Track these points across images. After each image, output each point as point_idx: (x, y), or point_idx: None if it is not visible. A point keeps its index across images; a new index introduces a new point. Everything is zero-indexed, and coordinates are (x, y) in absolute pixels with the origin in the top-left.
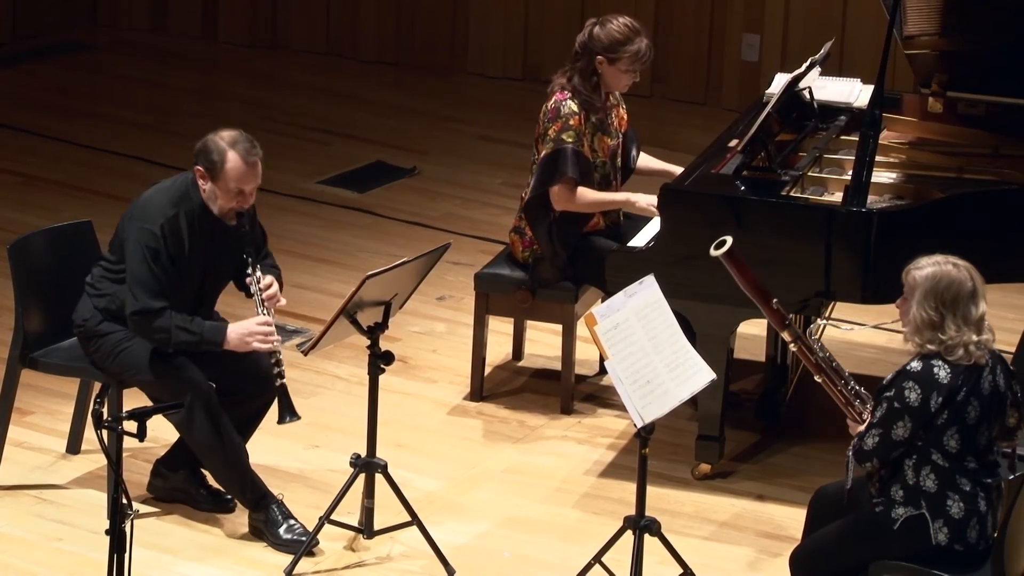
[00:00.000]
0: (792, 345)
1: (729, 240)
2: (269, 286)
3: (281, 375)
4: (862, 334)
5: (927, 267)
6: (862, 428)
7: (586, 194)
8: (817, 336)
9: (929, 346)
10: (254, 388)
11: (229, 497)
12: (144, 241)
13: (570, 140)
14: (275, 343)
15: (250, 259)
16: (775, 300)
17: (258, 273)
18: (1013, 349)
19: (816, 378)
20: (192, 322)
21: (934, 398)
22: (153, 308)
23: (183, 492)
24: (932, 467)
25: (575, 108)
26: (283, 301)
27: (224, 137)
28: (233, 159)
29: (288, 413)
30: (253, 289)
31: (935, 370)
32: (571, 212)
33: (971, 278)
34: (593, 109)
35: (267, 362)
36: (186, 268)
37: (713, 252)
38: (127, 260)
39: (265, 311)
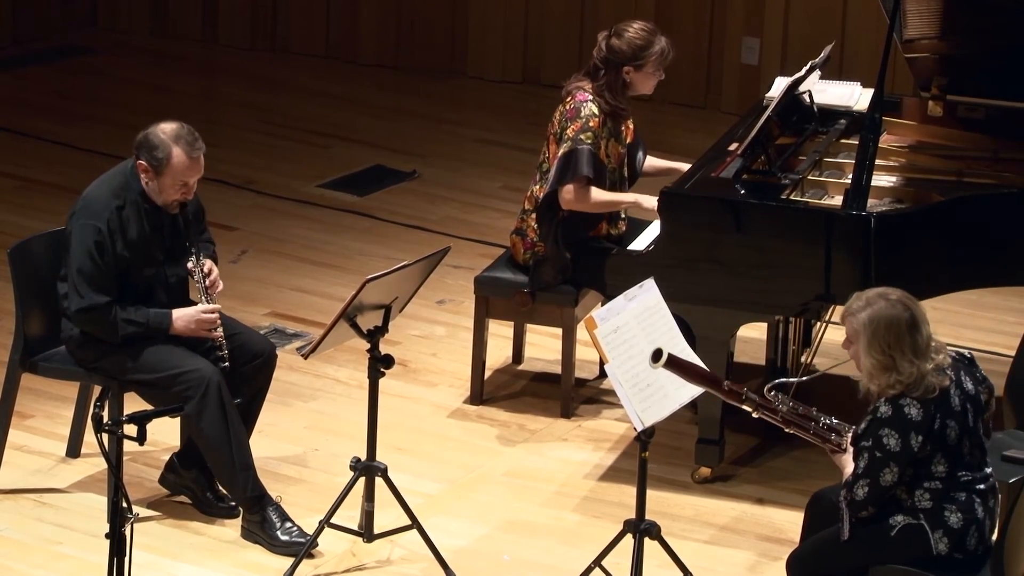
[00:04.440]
0: (755, 414)
1: (665, 351)
2: (210, 272)
3: (224, 359)
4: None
5: (861, 312)
6: (848, 475)
7: (597, 194)
8: (804, 375)
9: (890, 390)
10: (251, 367)
11: (233, 504)
12: (89, 236)
13: (588, 141)
14: (219, 330)
15: (192, 248)
16: (726, 382)
17: (201, 261)
18: (1013, 352)
19: (787, 431)
20: (137, 312)
21: (914, 438)
22: (99, 304)
23: (190, 491)
24: (924, 490)
25: (596, 111)
26: (221, 286)
27: (166, 131)
28: (178, 155)
29: (237, 394)
30: (196, 277)
31: (906, 410)
32: (578, 213)
33: (907, 307)
34: (619, 117)
35: (260, 338)
36: (132, 259)
37: (652, 366)
38: (70, 255)
39: (208, 299)
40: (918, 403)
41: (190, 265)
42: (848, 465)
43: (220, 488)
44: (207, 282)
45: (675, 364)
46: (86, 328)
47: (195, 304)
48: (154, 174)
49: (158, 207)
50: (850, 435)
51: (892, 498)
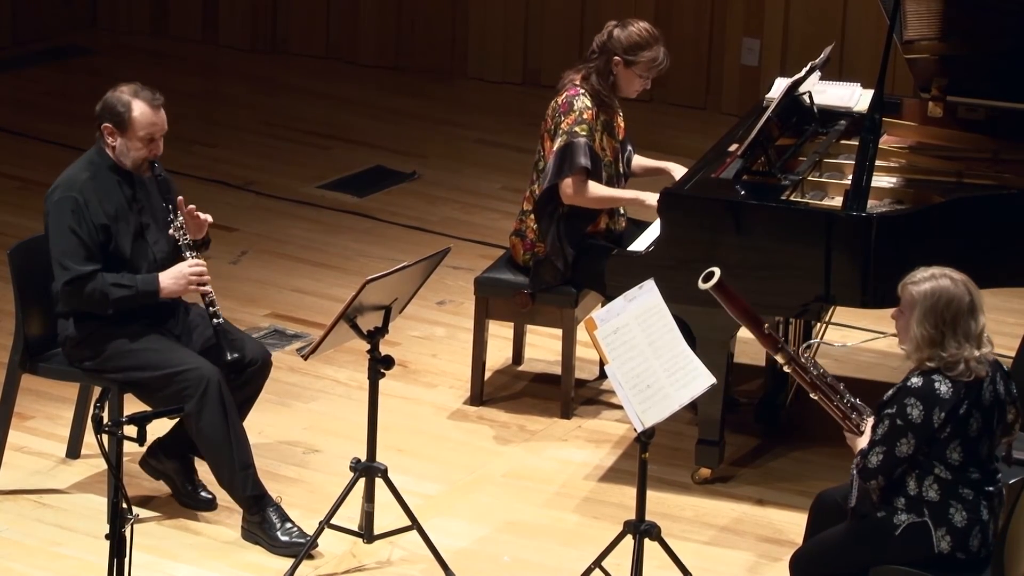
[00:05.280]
0: (787, 367)
1: (717, 271)
2: (185, 210)
3: (217, 315)
4: (861, 338)
5: (924, 283)
6: (864, 446)
7: (597, 188)
8: (811, 355)
9: (929, 363)
10: (247, 373)
11: (211, 496)
12: (66, 208)
13: (583, 133)
14: (208, 285)
15: (170, 206)
16: (767, 325)
17: (180, 219)
18: (1013, 353)
19: (812, 395)
20: (123, 276)
21: (936, 414)
22: (84, 272)
23: (170, 480)
24: (935, 479)
25: (588, 103)
26: (210, 217)
27: (124, 90)
28: (139, 106)
29: (229, 351)
30: (178, 235)
31: (936, 385)
32: (578, 209)
33: (968, 292)
34: (606, 108)
35: (256, 344)
36: (111, 227)
37: (702, 285)
38: (50, 235)
39: (193, 254)
40: (950, 381)
41: (171, 230)
42: (860, 447)
43: (199, 479)
44: (194, 214)
45: (722, 290)
46: (77, 304)
47: None
48: (119, 133)
49: (129, 175)
50: (870, 420)
51: (900, 487)
